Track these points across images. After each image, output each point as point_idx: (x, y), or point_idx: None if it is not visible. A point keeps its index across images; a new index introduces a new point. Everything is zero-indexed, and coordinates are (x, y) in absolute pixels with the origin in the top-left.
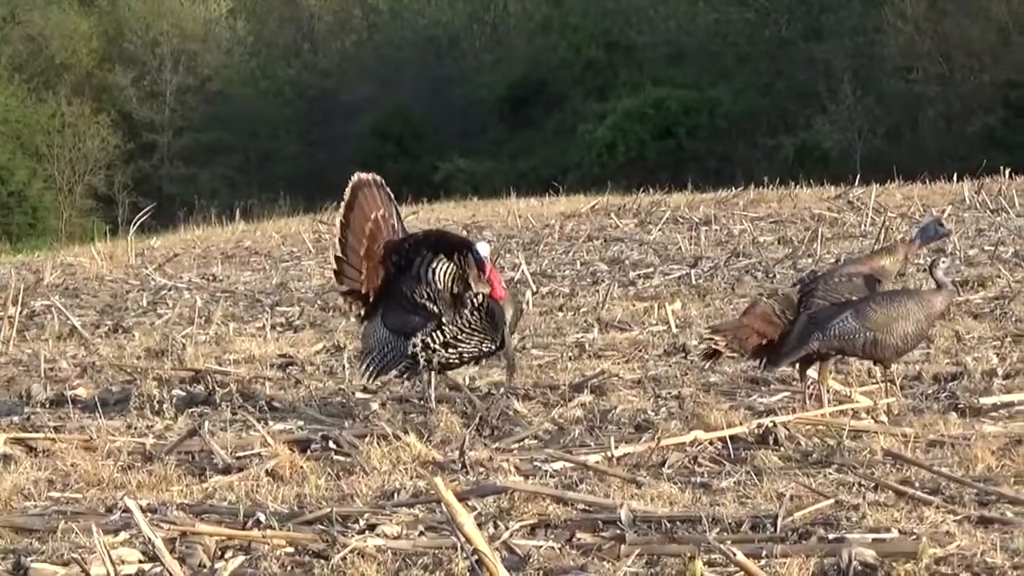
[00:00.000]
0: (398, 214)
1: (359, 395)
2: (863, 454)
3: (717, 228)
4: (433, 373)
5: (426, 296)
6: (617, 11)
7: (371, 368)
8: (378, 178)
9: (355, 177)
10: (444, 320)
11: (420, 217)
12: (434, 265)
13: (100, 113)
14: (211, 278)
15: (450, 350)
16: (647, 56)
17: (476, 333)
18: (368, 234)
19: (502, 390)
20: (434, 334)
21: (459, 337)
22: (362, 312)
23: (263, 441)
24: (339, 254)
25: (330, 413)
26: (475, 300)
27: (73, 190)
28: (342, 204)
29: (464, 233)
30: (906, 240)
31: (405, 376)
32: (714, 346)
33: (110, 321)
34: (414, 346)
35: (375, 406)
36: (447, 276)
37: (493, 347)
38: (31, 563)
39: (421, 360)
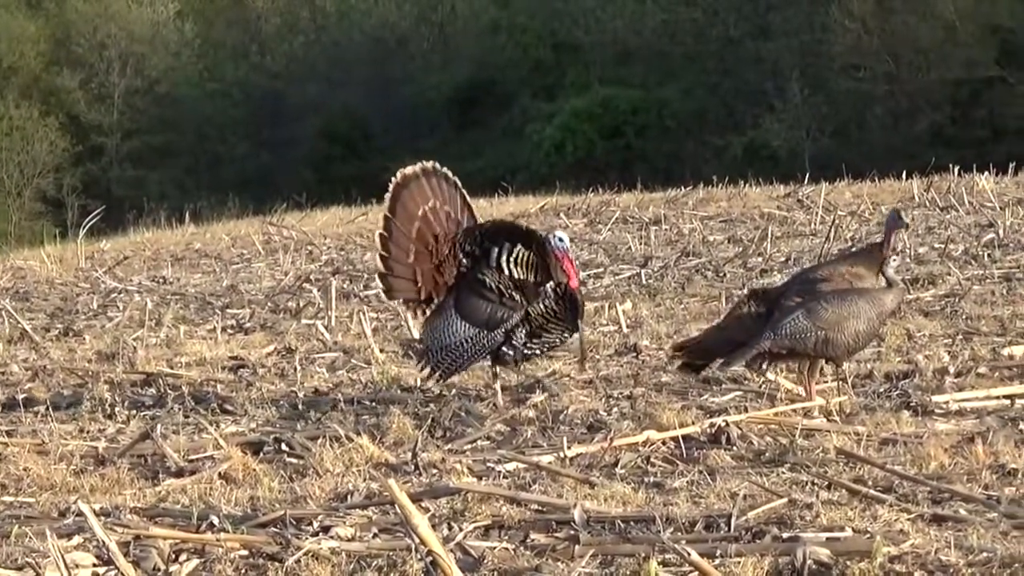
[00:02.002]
0: (462, 197)
1: (310, 397)
2: (816, 453)
3: (667, 227)
4: (498, 369)
5: (511, 287)
6: (565, 11)
7: (445, 366)
8: (427, 166)
9: (397, 175)
10: (530, 311)
11: (370, 219)
12: (515, 255)
13: (48, 116)
14: (161, 281)
15: (534, 340)
16: (595, 56)
17: (561, 323)
18: (416, 235)
19: (454, 391)
20: (521, 325)
21: (545, 327)
22: (427, 312)
23: (215, 444)
24: (382, 269)
25: (282, 415)
26: (558, 290)
27: (22, 193)
28: (382, 213)
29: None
30: (877, 243)
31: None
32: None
33: (61, 324)
34: (500, 338)
35: (327, 408)
36: (529, 266)
37: (569, 337)
38: None
39: (507, 353)
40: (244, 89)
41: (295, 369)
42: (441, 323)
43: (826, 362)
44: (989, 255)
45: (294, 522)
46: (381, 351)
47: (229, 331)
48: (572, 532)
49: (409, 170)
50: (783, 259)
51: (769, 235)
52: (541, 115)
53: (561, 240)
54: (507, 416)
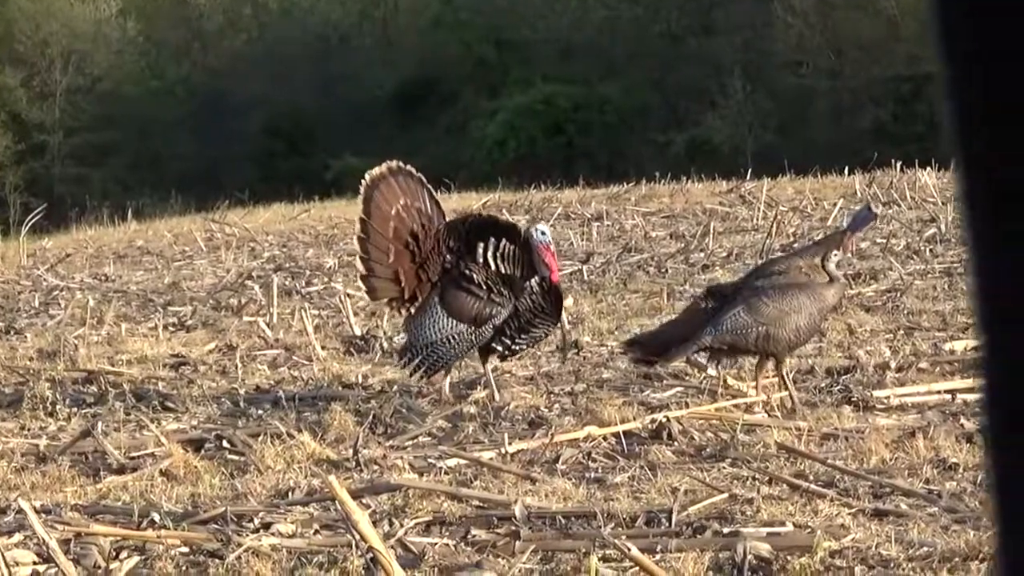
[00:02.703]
0: (428, 193)
1: (252, 394)
2: (757, 448)
3: (609, 223)
4: (492, 364)
5: (499, 282)
6: (508, 8)
7: (430, 363)
8: (393, 164)
9: (367, 177)
10: (518, 306)
11: (312, 215)
12: (501, 250)
13: None
14: (103, 278)
15: (522, 335)
16: (537, 53)
17: (547, 316)
18: (393, 234)
19: (395, 387)
20: (511, 320)
21: (533, 322)
22: (412, 310)
23: (157, 441)
24: (363, 271)
25: (223, 412)
26: (543, 284)
27: None
28: (357, 216)
29: None
30: (841, 230)
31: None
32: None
33: (2, 322)
34: (488, 334)
35: (268, 405)
36: (515, 261)
37: (552, 330)
38: None
39: (496, 348)
40: (187, 87)
41: (236, 366)
42: (427, 319)
43: (766, 358)
44: (931, 250)
45: (235, 519)
46: (323, 348)
47: (171, 328)
48: (513, 528)
49: (377, 171)
50: (725, 255)
51: (711, 231)
52: (484, 112)
53: (544, 234)
54: (450, 412)
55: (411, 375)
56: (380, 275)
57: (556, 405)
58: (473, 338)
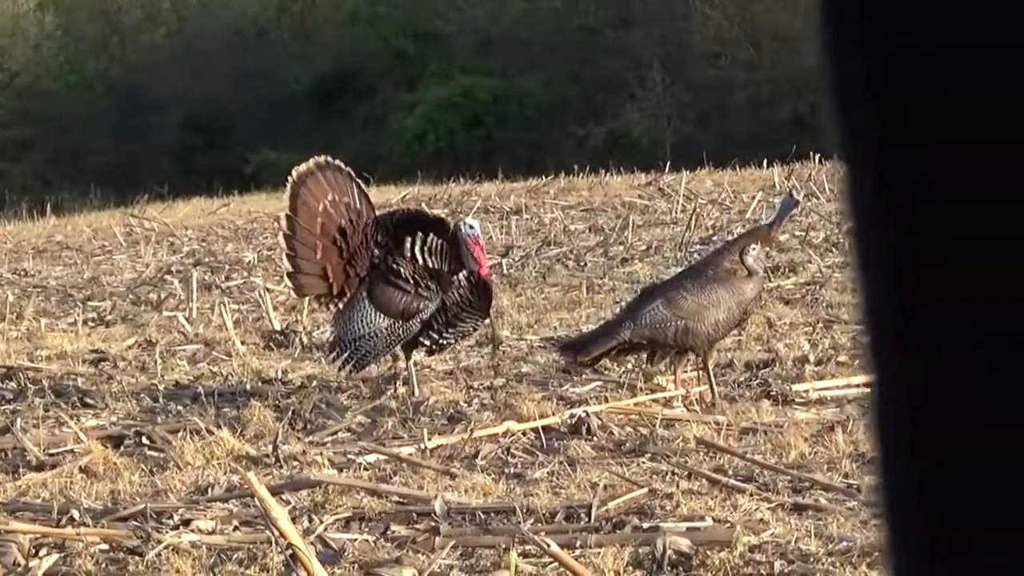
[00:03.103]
0: (358, 187)
1: (171, 390)
2: (676, 443)
3: (528, 217)
4: (413, 359)
5: (427, 276)
6: (425, 1)
7: (358, 357)
8: (321, 160)
9: (293, 173)
10: (446, 300)
11: (232, 209)
12: (429, 244)
13: None
14: (23, 273)
15: (450, 330)
16: (456, 45)
17: (475, 311)
18: (320, 230)
19: (315, 383)
20: (437, 315)
21: (460, 316)
22: (340, 306)
23: (76, 438)
24: (290, 269)
25: (143, 409)
26: (472, 278)
27: None
28: (282, 213)
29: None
30: (767, 223)
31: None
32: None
33: None
34: (415, 328)
35: (188, 401)
36: (442, 255)
37: (481, 325)
38: None
39: (424, 342)
40: (105, 81)
41: (156, 362)
42: (355, 314)
43: (685, 352)
44: (850, 243)
45: (155, 516)
46: (242, 343)
47: (90, 324)
48: (433, 523)
49: (303, 167)
50: (644, 248)
51: (630, 224)
52: (402, 105)
53: (472, 228)
54: (369, 408)
55: (339, 370)
56: (307, 272)
57: (475, 400)
58: (400, 332)
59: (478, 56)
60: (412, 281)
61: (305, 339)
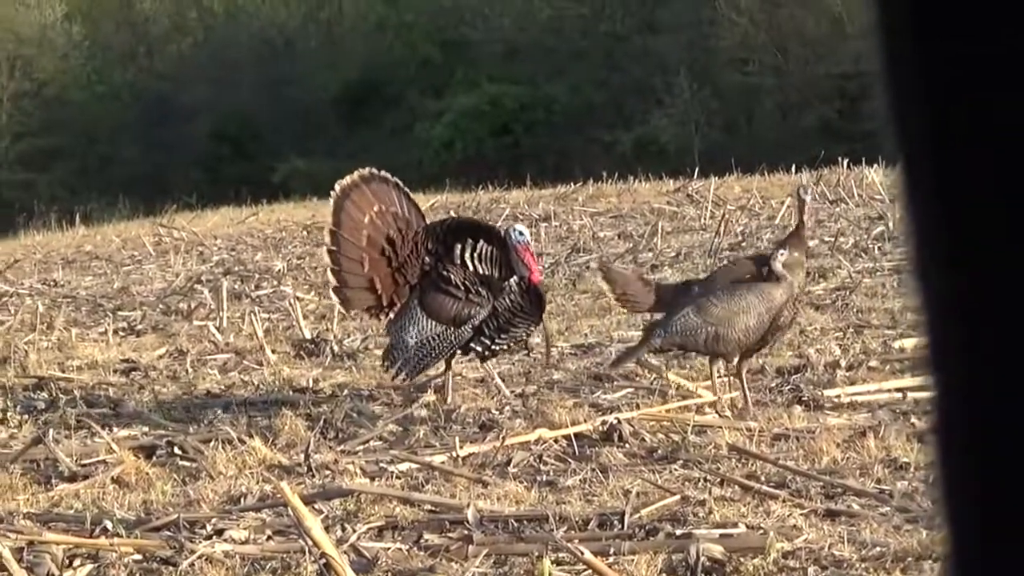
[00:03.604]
0: (406, 196)
1: (203, 399)
2: (708, 449)
3: (557, 224)
4: (446, 363)
5: (477, 282)
6: (452, 9)
7: (412, 364)
8: (365, 172)
9: (336, 187)
10: (497, 306)
11: (260, 218)
12: (479, 250)
13: None
14: (52, 283)
15: (502, 335)
16: (482, 53)
17: (527, 316)
18: (367, 242)
19: (346, 391)
20: (489, 320)
21: (512, 321)
22: (391, 316)
23: (108, 448)
24: (336, 283)
25: (174, 418)
26: (522, 284)
27: None
28: (326, 228)
29: (307, 233)
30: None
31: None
32: None
33: None
34: (467, 335)
35: (219, 410)
36: (492, 261)
37: (534, 330)
38: None
39: (476, 348)
40: (133, 91)
41: (187, 371)
42: (407, 322)
43: (717, 358)
44: (879, 248)
45: (187, 525)
46: (273, 352)
47: (121, 333)
48: (465, 532)
49: (347, 179)
50: (673, 254)
51: (659, 230)
52: (430, 113)
53: (521, 234)
54: (401, 416)
55: (394, 378)
56: (354, 285)
57: (507, 407)
58: (453, 338)
59: (505, 63)
60: (463, 287)
61: (336, 347)
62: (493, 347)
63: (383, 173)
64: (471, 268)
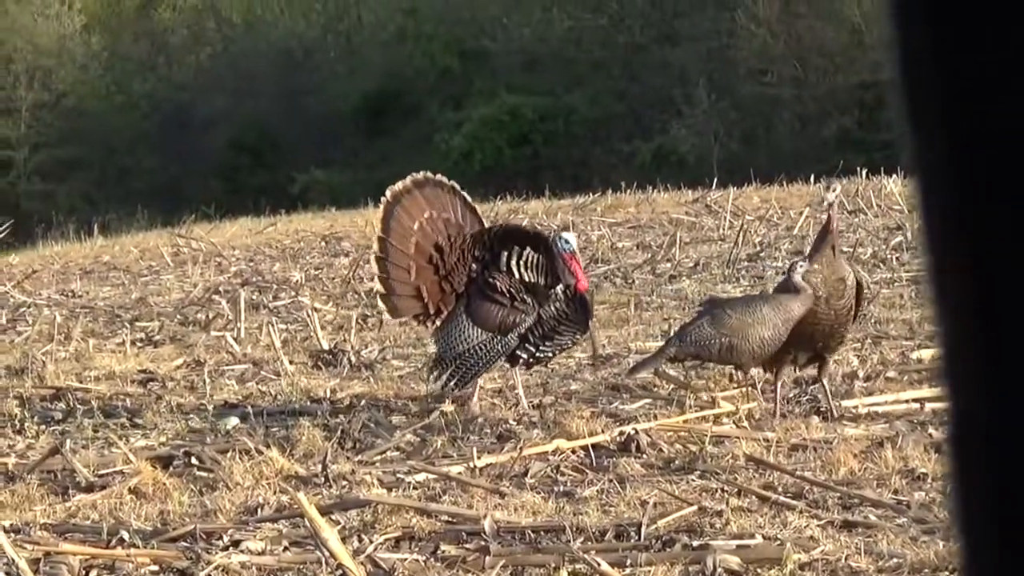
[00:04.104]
0: (462, 201)
1: (220, 409)
2: (725, 460)
3: (575, 234)
4: (519, 371)
5: (522, 290)
6: (471, 20)
7: (460, 373)
8: (419, 176)
9: (387, 193)
10: (542, 314)
11: (279, 229)
12: (525, 258)
13: None
14: (70, 294)
15: (547, 343)
16: (501, 64)
17: (572, 324)
18: (415, 249)
19: (363, 402)
20: (534, 328)
21: (558, 329)
22: (437, 323)
23: (125, 458)
24: (382, 291)
25: (191, 429)
26: (567, 292)
27: None
28: (375, 234)
29: (325, 244)
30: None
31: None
32: None
33: None
34: (513, 342)
35: (235, 420)
36: (539, 269)
37: (580, 338)
38: None
39: (521, 356)
40: (151, 102)
41: (204, 382)
42: (454, 330)
43: (734, 369)
44: (897, 258)
45: (204, 536)
46: (291, 363)
47: (138, 344)
48: (482, 543)
49: (399, 185)
50: (692, 265)
51: (678, 241)
52: (449, 124)
53: (568, 242)
54: (418, 426)
55: (443, 387)
56: (401, 293)
57: (524, 418)
58: (499, 346)
59: (524, 74)
60: (508, 295)
61: (353, 358)
62: (538, 355)
63: (438, 177)
64: (517, 276)
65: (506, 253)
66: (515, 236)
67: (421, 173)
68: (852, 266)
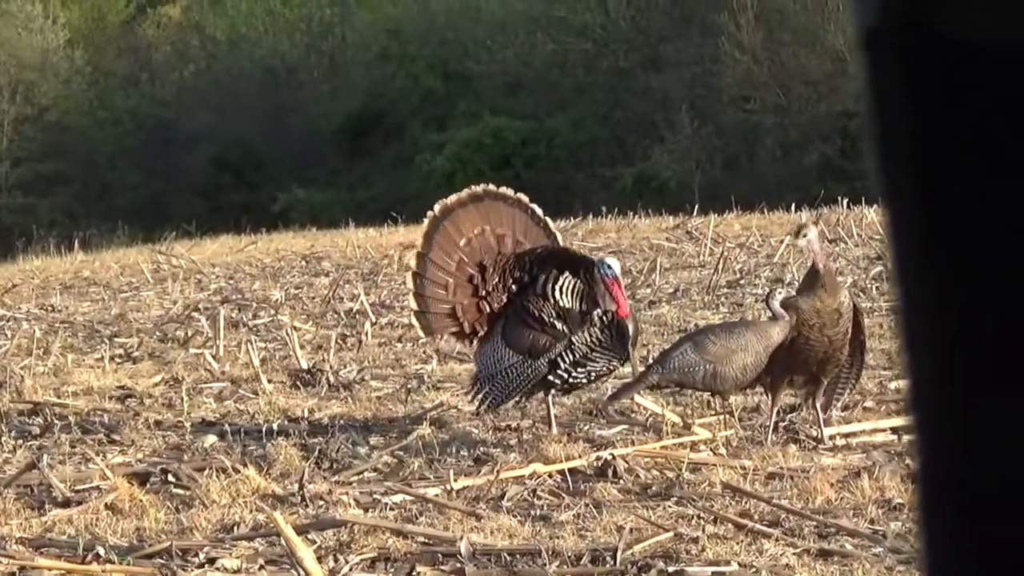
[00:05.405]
0: (528, 213)
1: (198, 427)
2: (702, 487)
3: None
4: (552, 395)
5: (554, 315)
6: (455, 41)
7: (492, 395)
8: (477, 189)
9: (436, 207)
10: (574, 340)
11: (259, 247)
12: (561, 283)
13: None
14: (50, 309)
15: (579, 369)
16: (485, 86)
17: (606, 351)
18: (456, 267)
19: (341, 422)
20: (564, 354)
21: (589, 356)
22: (474, 343)
23: (102, 474)
24: (416, 308)
25: (169, 446)
26: (604, 318)
27: None
28: (414, 250)
29: (305, 263)
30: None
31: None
32: None
33: None
34: (544, 368)
35: (213, 438)
36: (575, 294)
37: (618, 365)
38: None
39: (554, 381)
40: (134, 118)
41: (182, 399)
42: (489, 351)
43: (714, 395)
44: (877, 288)
45: (180, 553)
46: (269, 381)
47: (117, 360)
48: (458, 565)
49: (452, 199)
50: (671, 290)
51: (658, 267)
52: (431, 145)
53: (611, 267)
54: (397, 447)
55: (478, 407)
56: (436, 311)
57: (502, 441)
58: (529, 370)
59: (507, 97)
60: (539, 319)
61: (332, 378)
62: (571, 380)
63: (502, 190)
64: (552, 300)
65: (544, 276)
66: (556, 259)
67: (480, 186)
68: (848, 292)
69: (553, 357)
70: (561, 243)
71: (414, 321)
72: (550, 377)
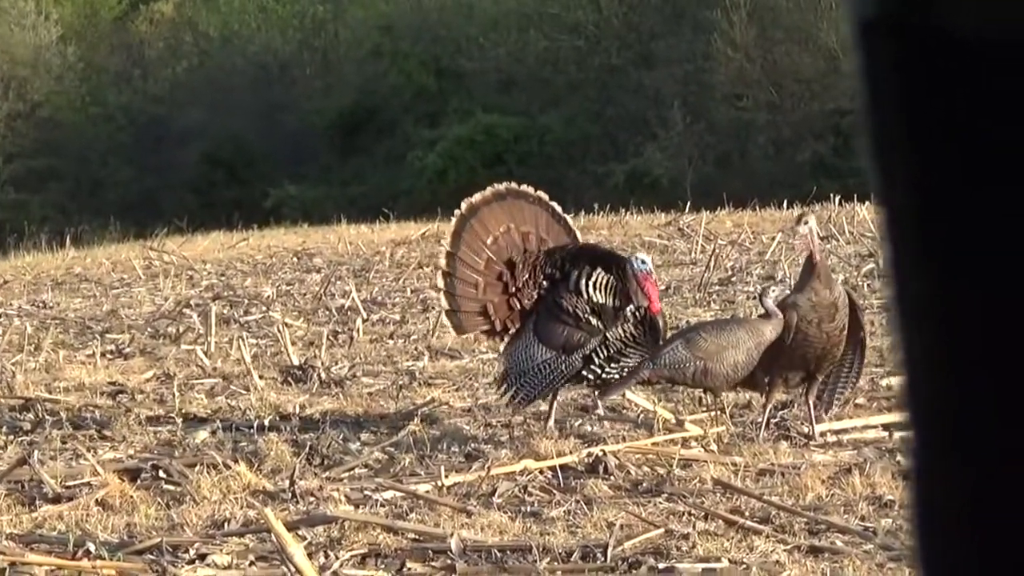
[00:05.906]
0: (549, 211)
1: (189, 423)
2: (693, 483)
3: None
4: (556, 394)
5: (588, 310)
6: (448, 38)
7: (524, 391)
8: (500, 188)
9: (463, 205)
10: (608, 335)
11: (251, 244)
12: (595, 279)
13: None
14: (41, 305)
15: (613, 365)
16: (477, 83)
17: (639, 347)
18: (485, 265)
19: (332, 418)
20: (599, 349)
21: (624, 351)
22: (505, 339)
23: (93, 470)
24: (448, 307)
25: (160, 442)
26: (638, 314)
27: None
28: (443, 249)
29: (297, 260)
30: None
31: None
32: None
33: None
34: (578, 363)
35: (205, 434)
36: (609, 290)
37: None
38: None
39: (588, 376)
40: (127, 114)
41: (174, 395)
42: (520, 347)
43: (705, 392)
44: (868, 285)
45: (171, 549)
46: (260, 378)
47: (108, 356)
48: (449, 561)
49: (477, 197)
50: (663, 288)
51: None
52: (423, 142)
53: (644, 263)
54: (387, 444)
55: (508, 404)
56: (467, 309)
57: (493, 437)
58: (563, 366)
59: (500, 94)
60: (573, 315)
61: (323, 374)
62: (604, 376)
63: (523, 188)
64: (585, 296)
65: (576, 272)
66: (588, 255)
67: (503, 184)
68: (844, 288)
69: (587, 353)
70: (581, 239)
71: (445, 320)
72: (584, 373)
